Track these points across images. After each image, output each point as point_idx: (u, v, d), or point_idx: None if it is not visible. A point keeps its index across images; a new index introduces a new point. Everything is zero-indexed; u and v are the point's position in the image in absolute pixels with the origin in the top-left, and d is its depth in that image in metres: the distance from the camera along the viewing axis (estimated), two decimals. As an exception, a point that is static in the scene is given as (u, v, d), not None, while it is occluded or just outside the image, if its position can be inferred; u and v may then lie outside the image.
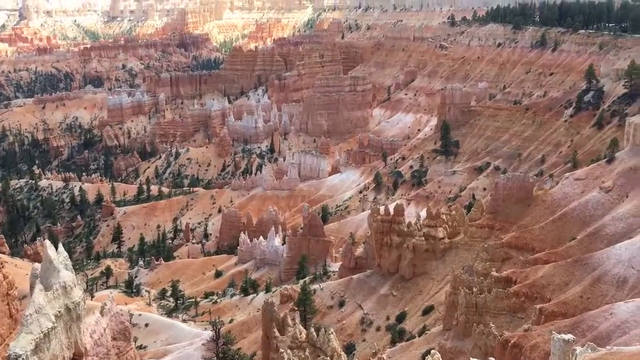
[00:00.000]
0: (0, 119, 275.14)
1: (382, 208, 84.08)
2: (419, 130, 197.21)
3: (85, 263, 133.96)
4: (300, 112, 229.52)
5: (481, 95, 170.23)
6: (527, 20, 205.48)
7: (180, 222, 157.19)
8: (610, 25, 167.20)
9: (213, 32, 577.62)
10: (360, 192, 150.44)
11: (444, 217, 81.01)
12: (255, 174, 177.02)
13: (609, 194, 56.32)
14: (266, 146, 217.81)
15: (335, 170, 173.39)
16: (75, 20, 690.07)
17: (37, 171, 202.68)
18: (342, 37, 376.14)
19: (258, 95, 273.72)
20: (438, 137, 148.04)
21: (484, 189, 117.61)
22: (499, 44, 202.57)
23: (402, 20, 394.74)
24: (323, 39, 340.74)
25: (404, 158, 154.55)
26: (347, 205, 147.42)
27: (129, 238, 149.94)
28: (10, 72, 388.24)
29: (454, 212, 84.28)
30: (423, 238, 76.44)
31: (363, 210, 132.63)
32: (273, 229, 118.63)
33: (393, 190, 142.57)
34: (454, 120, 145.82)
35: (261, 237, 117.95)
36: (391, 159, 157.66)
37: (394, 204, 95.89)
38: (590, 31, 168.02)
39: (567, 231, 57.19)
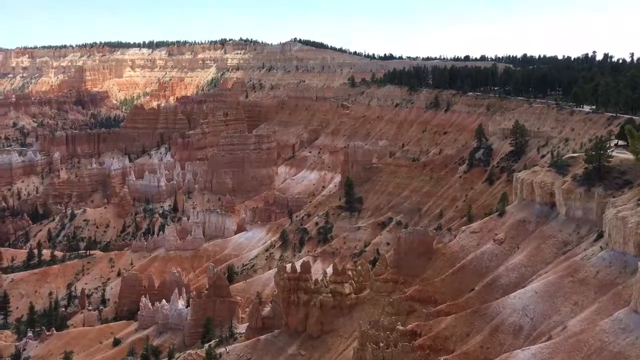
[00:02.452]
0: None
1: (288, 266, 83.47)
2: (323, 187, 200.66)
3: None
4: (204, 170, 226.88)
5: (382, 153, 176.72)
6: (422, 82, 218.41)
7: (75, 287, 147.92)
8: (496, 88, 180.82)
9: (113, 90, 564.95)
10: (267, 250, 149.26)
11: (349, 272, 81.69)
12: (158, 235, 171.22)
13: (501, 245, 59.26)
14: (169, 205, 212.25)
15: (241, 228, 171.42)
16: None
17: None
18: (246, 96, 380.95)
19: (161, 153, 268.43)
20: (342, 194, 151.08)
21: (388, 244, 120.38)
22: (397, 105, 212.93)
23: (304, 81, 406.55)
24: (227, 98, 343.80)
25: (309, 215, 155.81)
26: (253, 264, 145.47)
27: (17, 307, 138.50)
28: None
29: (359, 267, 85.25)
30: (330, 295, 76.41)
31: (270, 269, 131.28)
32: (176, 291, 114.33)
33: (299, 247, 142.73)
34: (357, 177, 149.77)
35: (164, 301, 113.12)
36: (297, 216, 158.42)
37: (301, 261, 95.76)
38: (478, 94, 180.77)
39: (466, 283, 59.22)
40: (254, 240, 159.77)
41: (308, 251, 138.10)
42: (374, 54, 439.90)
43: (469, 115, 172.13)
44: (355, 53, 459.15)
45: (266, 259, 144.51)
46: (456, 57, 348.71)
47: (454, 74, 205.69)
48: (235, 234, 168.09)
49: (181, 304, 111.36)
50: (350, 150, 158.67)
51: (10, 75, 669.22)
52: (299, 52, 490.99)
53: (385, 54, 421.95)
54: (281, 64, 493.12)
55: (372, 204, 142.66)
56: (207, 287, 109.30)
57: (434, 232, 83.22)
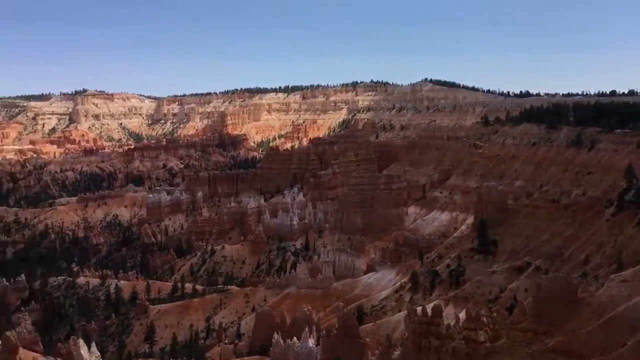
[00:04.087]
0: (45, 217, 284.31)
1: (419, 309, 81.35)
2: (455, 228, 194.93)
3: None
4: (335, 210, 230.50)
5: (518, 194, 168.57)
6: (562, 120, 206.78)
7: (213, 321, 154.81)
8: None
9: (251, 133, 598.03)
10: (397, 291, 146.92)
11: (484, 319, 77.78)
12: (290, 272, 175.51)
13: (659, 297, 53.54)
14: (301, 244, 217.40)
15: (370, 268, 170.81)
16: (121, 123, 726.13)
17: (75, 268, 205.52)
18: (377, 137, 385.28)
19: (293, 193, 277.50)
20: (475, 236, 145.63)
21: (526, 290, 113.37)
22: (534, 143, 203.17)
23: (435, 120, 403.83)
24: (358, 139, 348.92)
25: (440, 257, 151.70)
26: (383, 305, 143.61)
27: (162, 337, 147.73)
28: (56, 172, 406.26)
29: (495, 314, 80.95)
30: (463, 341, 73.11)
31: (399, 311, 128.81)
32: (307, 329, 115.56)
33: (430, 290, 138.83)
34: (491, 219, 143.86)
35: (295, 338, 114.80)
36: (427, 258, 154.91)
37: (432, 304, 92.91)
38: (627, 131, 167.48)
39: (617, 336, 54.02)
40: (383, 281, 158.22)
41: (439, 294, 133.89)
42: (508, 92, 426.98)
43: (616, 154, 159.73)
44: (488, 91, 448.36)
45: (396, 301, 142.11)
46: (600, 92, 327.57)
47: (598, 110, 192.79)
48: (364, 274, 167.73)
49: (312, 342, 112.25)
50: (484, 190, 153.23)
51: (162, 121, 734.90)
52: (430, 92, 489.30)
53: (520, 91, 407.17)
54: (411, 104, 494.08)
55: (508, 247, 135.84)
56: (337, 326, 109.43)
57: (578, 279, 77.49)
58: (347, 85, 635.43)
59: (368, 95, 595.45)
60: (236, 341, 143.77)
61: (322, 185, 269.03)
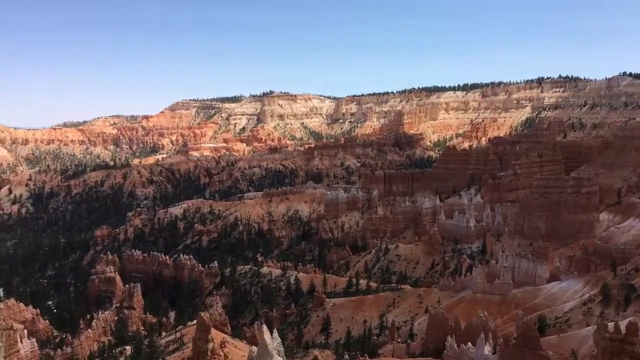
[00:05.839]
0: (235, 210, 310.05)
1: (611, 325, 73.92)
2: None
3: (295, 351, 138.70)
4: (515, 213, 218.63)
5: None
6: None
7: (386, 319, 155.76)
8: None
9: (427, 132, 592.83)
10: (584, 304, 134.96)
11: (692, 343, 68.36)
12: (465, 275, 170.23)
13: None
14: (477, 247, 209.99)
15: (554, 277, 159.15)
16: (302, 123, 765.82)
17: (260, 259, 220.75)
18: (564, 137, 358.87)
19: (470, 194, 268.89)
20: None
21: None
22: None
23: (634, 118, 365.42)
24: (542, 138, 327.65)
25: (637, 269, 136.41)
26: (568, 317, 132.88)
27: (337, 330, 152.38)
28: (245, 169, 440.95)
29: None
30: (665, 366, 64.98)
31: (587, 325, 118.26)
32: (482, 335, 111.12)
33: (624, 305, 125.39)
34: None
35: (469, 344, 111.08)
36: (622, 270, 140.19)
37: (626, 321, 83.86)
38: None
39: None
40: (569, 292, 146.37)
41: (635, 311, 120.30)
42: None
43: None
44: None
45: (583, 314, 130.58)
46: None
47: None
48: (547, 283, 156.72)
49: (487, 349, 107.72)
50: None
51: (341, 121, 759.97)
52: (629, 87, 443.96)
53: None
54: (606, 101, 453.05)
55: None
56: (516, 336, 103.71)
57: None
58: (531, 81, 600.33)
59: (555, 91, 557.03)
60: (409, 341, 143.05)
61: (501, 186, 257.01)
